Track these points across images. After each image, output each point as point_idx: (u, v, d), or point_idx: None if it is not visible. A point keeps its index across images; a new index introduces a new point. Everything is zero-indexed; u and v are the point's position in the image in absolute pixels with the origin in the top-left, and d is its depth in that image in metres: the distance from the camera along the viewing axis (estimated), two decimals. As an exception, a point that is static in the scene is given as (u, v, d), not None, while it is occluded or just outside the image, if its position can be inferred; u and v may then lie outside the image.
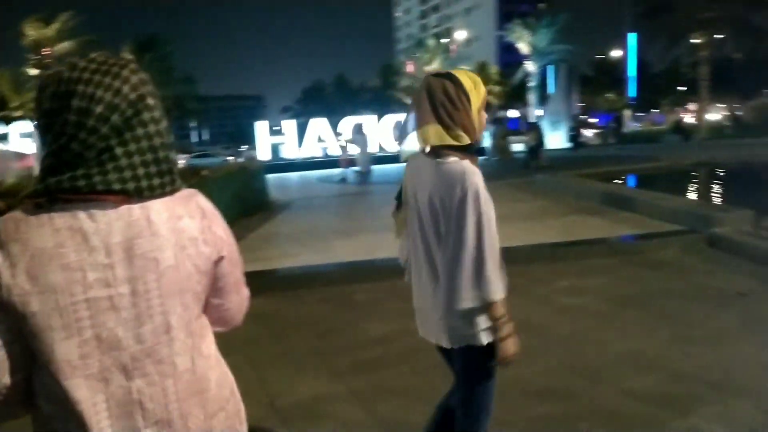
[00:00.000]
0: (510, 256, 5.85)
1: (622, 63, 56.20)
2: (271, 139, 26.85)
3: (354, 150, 17.91)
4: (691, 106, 57.76)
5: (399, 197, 2.08)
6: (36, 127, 1.07)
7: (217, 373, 1.19)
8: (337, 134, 23.83)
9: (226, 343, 1.33)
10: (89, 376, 1.01)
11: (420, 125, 1.87)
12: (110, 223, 1.02)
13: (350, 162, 17.85)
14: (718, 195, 8.73)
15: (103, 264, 1.01)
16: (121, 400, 1.04)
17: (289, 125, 26.59)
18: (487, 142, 24.22)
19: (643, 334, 3.99)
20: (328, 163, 24.48)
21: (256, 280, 5.46)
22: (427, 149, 1.87)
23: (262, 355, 3.97)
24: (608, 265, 5.85)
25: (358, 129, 18.40)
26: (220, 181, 8.74)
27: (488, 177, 1.81)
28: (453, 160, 1.82)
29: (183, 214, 1.09)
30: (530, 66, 37.61)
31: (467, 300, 1.81)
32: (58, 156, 1.01)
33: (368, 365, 3.74)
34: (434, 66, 45.57)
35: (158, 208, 1.06)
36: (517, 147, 23.06)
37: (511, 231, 7.22)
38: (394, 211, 2.10)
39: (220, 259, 1.16)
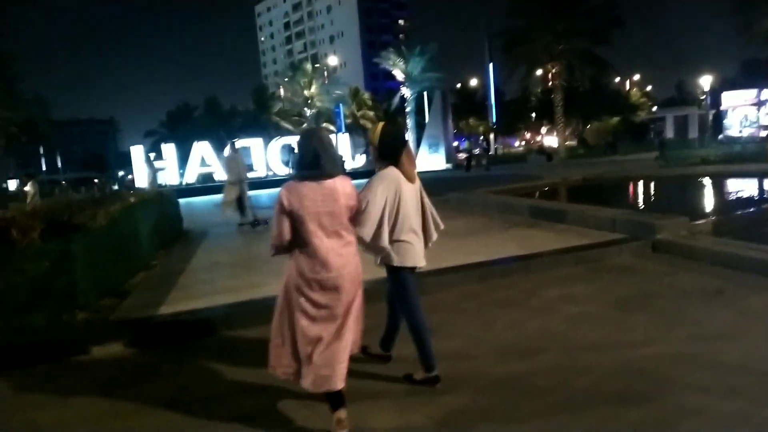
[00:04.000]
0: (487, 272, 5.92)
1: (480, 91, 60.72)
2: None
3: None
4: (543, 130, 63.96)
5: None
6: (299, 150, 3.07)
7: (354, 246, 3.14)
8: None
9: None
10: (314, 236, 2.92)
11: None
12: (323, 186, 2.94)
13: None
14: (632, 204, 9.73)
15: (322, 200, 2.92)
16: (324, 246, 2.94)
17: (170, 150, 24.85)
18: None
19: (664, 335, 4.18)
20: (214, 188, 23.34)
21: (244, 314, 4.85)
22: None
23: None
24: (578, 273, 6.14)
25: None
26: (141, 209, 7.84)
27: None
28: None
29: (345, 184, 3.03)
30: (406, 92, 39.15)
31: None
32: (309, 163, 2.96)
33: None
34: (313, 90, 45.73)
35: (337, 181, 2.99)
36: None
37: (471, 246, 7.33)
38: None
39: (354, 206, 3.10)
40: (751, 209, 8.95)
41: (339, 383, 2.95)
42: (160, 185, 24.09)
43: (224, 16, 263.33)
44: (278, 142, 26.20)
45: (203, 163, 25.04)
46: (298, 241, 2.95)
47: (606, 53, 38.19)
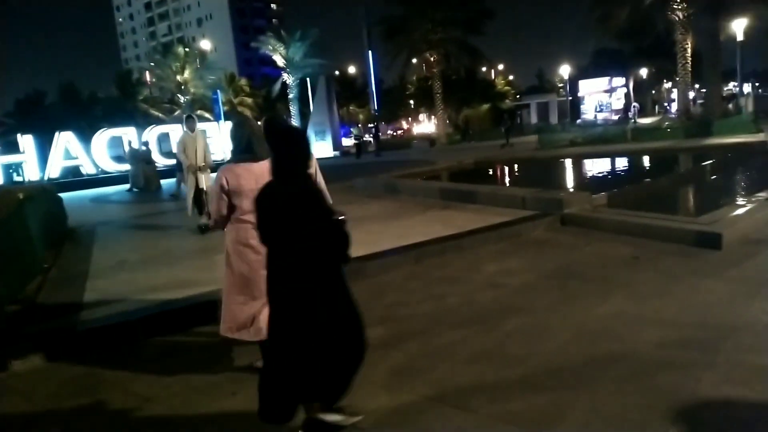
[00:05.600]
0: (423, 252, 6.07)
1: (360, 78, 61.11)
2: (3, 158, 22.04)
3: None
4: (421, 117, 66.07)
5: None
6: (233, 137, 3.55)
7: None
8: None
9: None
10: (251, 209, 3.00)
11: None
12: (254, 167, 3.38)
13: None
14: (529, 182, 10.48)
15: (255, 180, 3.24)
16: None
17: (28, 142, 22.14)
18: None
19: (604, 298, 4.52)
20: (84, 183, 21.33)
21: (183, 313, 4.56)
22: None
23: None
24: (505, 248, 6.45)
25: None
26: (28, 205, 6.93)
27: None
28: None
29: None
30: (287, 78, 38.34)
31: None
32: (243, 146, 3.46)
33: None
34: (186, 75, 43.14)
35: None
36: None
37: (397, 230, 7.41)
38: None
39: None
40: (635, 183, 10.00)
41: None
42: (18, 182, 21.48)
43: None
44: (152, 132, 24.45)
45: (68, 155, 22.72)
46: (235, 215, 3.47)
47: (477, 43, 40.01)
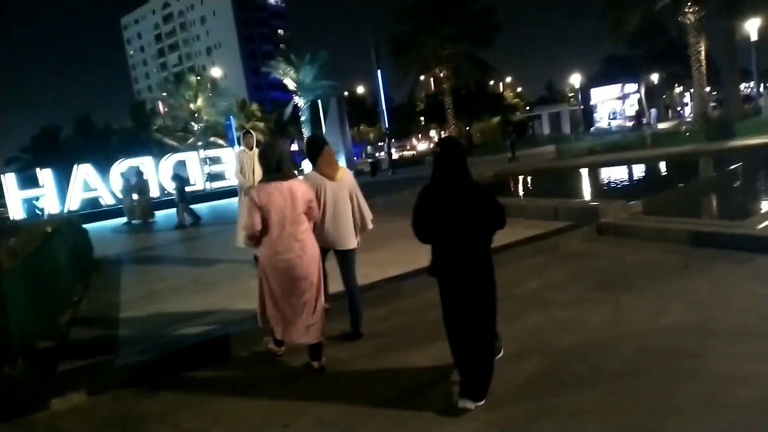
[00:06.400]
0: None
1: (369, 97, 61.40)
2: (23, 193, 22.26)
3: None
4: (432, 133, 66.12)
5: None
6: (263, 158, 3.91)
7: (310, 232, 3.98)
8: None
9: None
10: (280, 225, 3.77)
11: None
12: (284, 185, 3.79)
13: None
14: (557, 193, 10.31)
15: (284, 197, 3.77)
16: (287, 232, 3.79)
17: (47, 175, 22.38)
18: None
19: (662, 309, 4.30)
20: (102, 214, 21.45)
21: (230, 342, 4.32)
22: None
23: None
24: (544, 261, 6.26)
25: None
26: (57, 238, 6.87)
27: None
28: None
29: (300, 184, 3.89)
30: (299, 101, 38.59)
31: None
32: (273, 166, 3.82)
33: None
34: (199, 102, 43.64)
35: (294, 182, 3.86)
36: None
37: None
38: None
39: (311, 200, 3.94)
40: (668, 189, 9.73)
41: (313, 339, 3.90)
42: (37, 214, 21.70)
43: (87, 30, 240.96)
44: (169, 161, 24.58)
45: (86, 187, 22.92)
46: (267, 230, 3.78)
47: (485, 56, 40.07)
